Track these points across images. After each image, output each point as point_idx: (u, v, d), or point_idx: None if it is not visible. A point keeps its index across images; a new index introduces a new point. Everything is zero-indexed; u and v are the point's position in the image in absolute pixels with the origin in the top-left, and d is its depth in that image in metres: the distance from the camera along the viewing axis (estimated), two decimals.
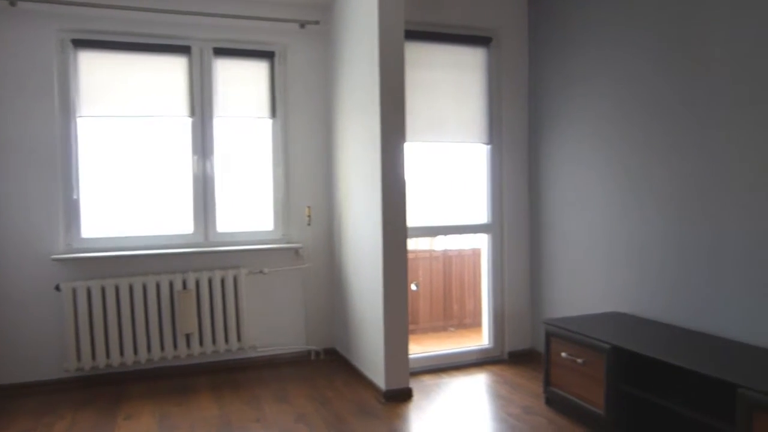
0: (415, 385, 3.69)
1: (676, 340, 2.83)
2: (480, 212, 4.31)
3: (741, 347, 2.67)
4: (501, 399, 3.48)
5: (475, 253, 5.66)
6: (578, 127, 3.80)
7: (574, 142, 3.83)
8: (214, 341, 4.02)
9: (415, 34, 3.95)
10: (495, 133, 4.24)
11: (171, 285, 3.93)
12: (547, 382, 3.33)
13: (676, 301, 3.11)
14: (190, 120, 4.06)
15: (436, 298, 5.59)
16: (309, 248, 4.33)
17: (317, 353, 4.35)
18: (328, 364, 4.19)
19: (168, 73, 4.00)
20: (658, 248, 3.23)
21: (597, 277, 3.68)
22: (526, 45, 4.27)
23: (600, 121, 3.62)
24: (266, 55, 4.23)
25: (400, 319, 3.52)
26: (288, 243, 4.29)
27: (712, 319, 2.91)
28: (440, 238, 5.57)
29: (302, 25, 4.23)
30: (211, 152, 4.10)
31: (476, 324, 5.50)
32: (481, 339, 4.44)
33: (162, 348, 3.91)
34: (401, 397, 3.50)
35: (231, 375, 3.99)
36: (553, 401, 3.33)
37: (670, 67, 3.12)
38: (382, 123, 3.43)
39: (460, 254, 5.70)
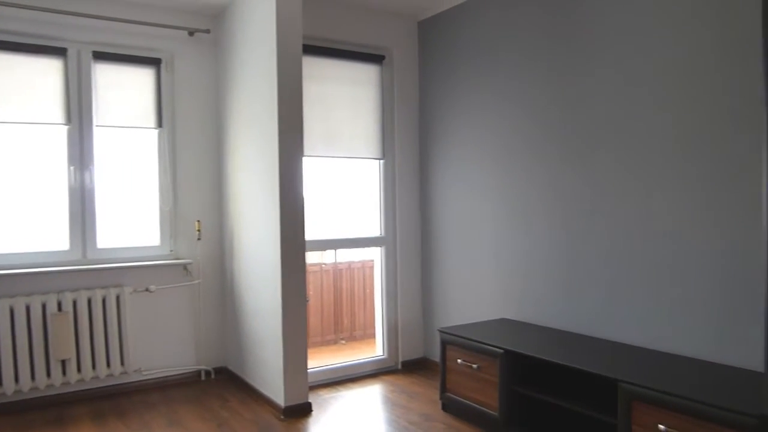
0: (312, 399, 3.66)
1: (562, 343, 3.07)
2: (374, 226, 4.39)
3: (620, 347, 2.95)
4: (399, 408, 3.56)
5: (365, 266, 5.75)
6: (466, 145, 4.01)
7: (462, 159, 4.04)
8: (93, 366, 3.72)
9: (311, 49, 3.97)
10: (388, 149, 4.36)
11: (44, 307, 3.59)
12: (444, 389, 3.46)
13: (561, 307, 3.37)
14: (66, 128, 3.77)
15: (327, 311, 5.59)
16: (199, 264, 4.16)
17: (208, 373, 4.18)
18: (220, 384, 4.04)
19: (41, 77, 3.68)
20: (542, 259, 3.48)
21: (486, 287, 3.89)
22: (416, 64, 4.45)
23: (486, 139, 3.85)
24: (152, 62, 4.03)
25: (299, 333, 3.48)
26: (176, 259, 4.09)
27: (593, 322, 3.19)
28: (330, 252, 5.59)
29: (191, 33, 4.09)
30: (91, 162, 3.82)
31: (367, 336, 5.58)
32: (375, 350, 4.51)
33: (33, 377, 3.56)
34: (301, 412, 3.47)
35: (115, 402, 3.71)
36: (449, 407, 3.46)
37: (555, 91, 3.40)
38: (280, 137, 3.41)
39: (350, 267, 5.75)
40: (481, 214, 3.91)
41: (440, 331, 3.48)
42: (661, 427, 2.28)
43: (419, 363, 4.43)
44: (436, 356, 4.32)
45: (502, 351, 3.04)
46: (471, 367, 3.25)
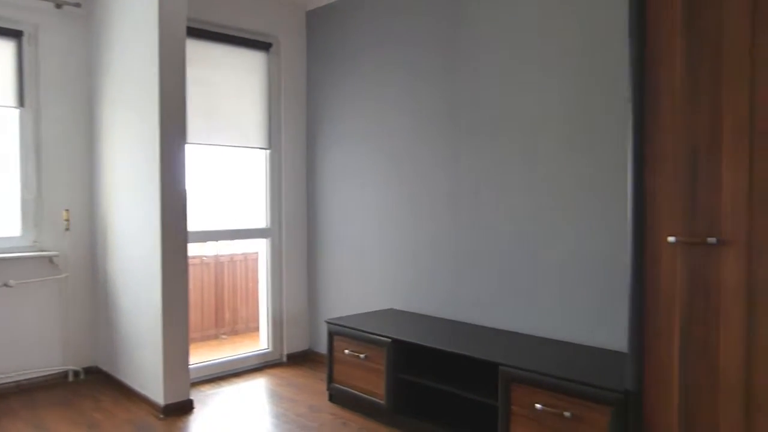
0: (195, 395, 3.53)
1: (447, 331, 3.19)
2: (259, 217, 4.30)
3: (502, 333, 3.13)
4: (286, 400, 3.53)
5: (248, 258, 5.61)
6: (353, 137, 4.04)
7: (350, 150, 4.07)
8: None
9: (195, 32, 3.80)
10: (275, 139, 4.28)
11: None
12: (331, 379, 3.48)
13: (446, 298, 3.51)
14: None
15: (208, 306, 5.39)
16: (67, 256, 3.84)
17: (77, 373, 3.88)
18: (91, 385, 3.76)
19: None
20: (427, 249, 3.60)
21: (372, 278, 3.96)
22: (304, 54, 4.40)
23: (373, 131, 3.91)
24: (12, 33, 3.65)
25: (180, 328, 3.34)
26: (40, 251, 3.75)
27: (475, 311, 3.35)
28: (210, 244, 5.39)
29: (59, 6, 3.75)
30: None
31: (250, 330, 5.46)
32: (259, 343, 4.43)
33: None
34: (182, 410, 3.33)
35: None
36: (337, 397, 3.48)
37: (442, 86, 3.52)
38: (161, 123, 3.23)
39: (232, 260, 5.59)
40: (368, 206, 3.96)
41: (328, 322, 3.49)
42: (538, 406, 2.45)
43: (305, 355, 4.42)
44: (322, 348, 4.33)
45: (389, 340, 3.11)
46: (358, 357, 3.29)
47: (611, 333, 2.76)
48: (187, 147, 3.36)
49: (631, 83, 2.16)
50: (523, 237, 3.11)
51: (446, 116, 3.48)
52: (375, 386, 3.20)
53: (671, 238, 2.05)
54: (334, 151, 4.20)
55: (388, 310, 3.77)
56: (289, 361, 4.33)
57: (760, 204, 1.88)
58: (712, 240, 1.96)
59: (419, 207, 3.65)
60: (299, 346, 4.42)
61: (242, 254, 5.64)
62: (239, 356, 4.19)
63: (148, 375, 3.42)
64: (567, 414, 2.36)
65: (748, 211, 1.90)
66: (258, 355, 4.27)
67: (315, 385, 3.81)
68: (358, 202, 4.04)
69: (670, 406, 2.08)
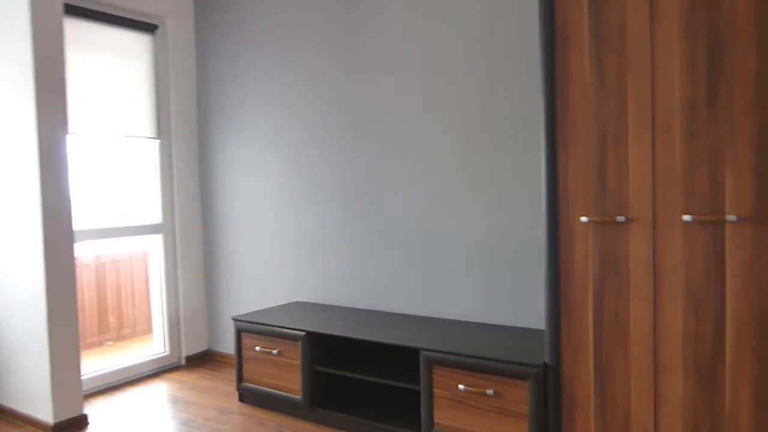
0: (88, 409, 3.23)
1: (362, 320, 3.18)
2: (151, 211, 4.01)
3: (420, 319, 3.16)
4: (192, 405, 3.33)
5: (134, 257, 5.23)
6: (250, 127, 3.89)
7: (247, 140, 3.91)
8: None
9: (73, 9, 3.44)
10: (164, 128, 4.01)
11: None
12: (240, 379, 3.34)
13: (354, 287, 3.49)
14: None
15: (90, 311, 4.95)
16: None
17: None
18: None
19: None
20: (332, 239, 3.56)
21: (275, 272, 3.84)
22: (193, 38, 4.15)
23: (272, 121, 3.78)
24: None
25: (70, 339, 3.04)
26: None
27: (386, 299, 3.37)
28: (91, 244, 4.95)
29: None
30: None
31: (138, 333, 5.09)
32: (154, 347, 4.15)
33: None
34: (76, 426, 3.03)
35: None
36: (247, 397, 3.35)
37: (342, 76, 3.47)
38: (38, 111, 2.90)
39: (114, 260, 5.17)
40: (268, 196, 3.83)
41: (235, 320, 3.34)
42: (461, 387, 2.52)
43: (205, 356, 4.21)
44: (224, 347, 4.15)
45: (303, 333, 3.04)
46: (270, 353, 3.18)
47: (530, 312, 2.89)
48: (68, 138, 3.05)
49: (543, 72, 2.26)
50: (437, 222, 3.16)
51: (347, 106, 3.44)
52: (290, 382, 3.12)
53: (584, 218, 2.18)
54: (229, 140, 4.02)
55: (295, 302, 3.68)
56: (188, 363, 4.10)
57: (662, 184, 2.05)
58: (621, 218, 2.11)
59: (322, 196, 3.59)
60: (198, 347, 4.20)
61: (127, 253, 5.24)
62: (133, 363, 3.89)
63: (31, 392, 3.07)
64: (489, 392, 2.44)
65: (651, 191, 2.07)
66: (154, 359, 3.99)
67: (220, 386, 3.64)
68: (257, 192, 3.90)
69: (586, 374, 2.22)
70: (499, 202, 2.94)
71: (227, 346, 4.14)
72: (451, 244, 3.11)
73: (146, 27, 3.89)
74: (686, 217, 1.98)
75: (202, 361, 4.17)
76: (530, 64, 2.82)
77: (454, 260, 3.11)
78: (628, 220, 2.11)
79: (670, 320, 2.04)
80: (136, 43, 3.85)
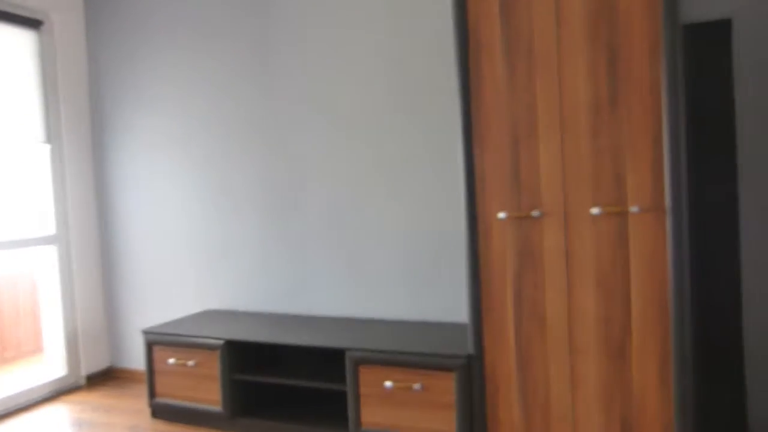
0: None
1: (283, 325, 3.13)
2: (43, 222, 3.70)
3: (344, 320, 3.16)
4: (100, 426, 3.12)
5: (14, 276, 4.79)
6: (151, 130, 3.70)
7: (148, 144, 3.72)
8: None
9: None
10: (54, 131, 3.71)
11: None
12: (152, 394, 3.17)
13: (272, 291, 3.43)
14: None
15: None
16: None
17: None
18: None
19: None
20: (245, 245, 3.48)
21: (183, 281, 3.69)
22: (83, 32, 3.88)
23: (175, 123, 3.63)
24: None
25: None
26: None
27: (308, 301, 3.34)
28: None
29: None
30: None
31: (24, 354, 4.69)
32: (48, 368, 3.84)
33: None
34: None
35: None
36: (161, 412, 3.19)
37: (249, 76, 3.39)
38: None
39: None
40: (173, 202, 3.67)
41: (145, 333, 3.17)
42: (387, 383, 2.56)
43: (107, 374, 3.95)
44: (128, 363, 3.92)
45: (222, 342, 2.94)
46: (185, 365, 3.06)
47: (454, 306, 2.98)
48: None
49: (459, 75, 2.35)
50: (356, 221, 3.18)
51: (257, 100, 3.38)
52: (208, 393, 3.01)
53: (501, 214, 2.29)
54: (128, 143, 3.80)
55: (207, 311, 3.56)
56: (89, 383, 3.83)
57: (571, 179, 2.20)
58: (535, 213, 2.25)
59: (233, 198, 3.49)
60: (99, 364, 3.93)
61: (6, 271, 4.79)
62: (25, 387, 3.57)
63: None
64: (416, 386, 2.50)
65: (562, 186, 2.22)
66: (49, 382, 3.69)
67: (128, 403, 3.44)
68: (160, 197, 3.72)
69: (508, 361, 2.34)
70: (421, 200, 3.02)
71: (132, 361, 3.91)
72: (372, 243, 3.15)
73: (29, 23, 3.59)
74: (594, 210, 2.14)
75: (104, 379, 3.91)
76: (448, 68, 2.92)
77: (376, 259, 3.14)
78: (542, 214, 2.25)
79: (583, 305, 2.20)
80: (20, 40, 3.54)
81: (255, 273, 3.46)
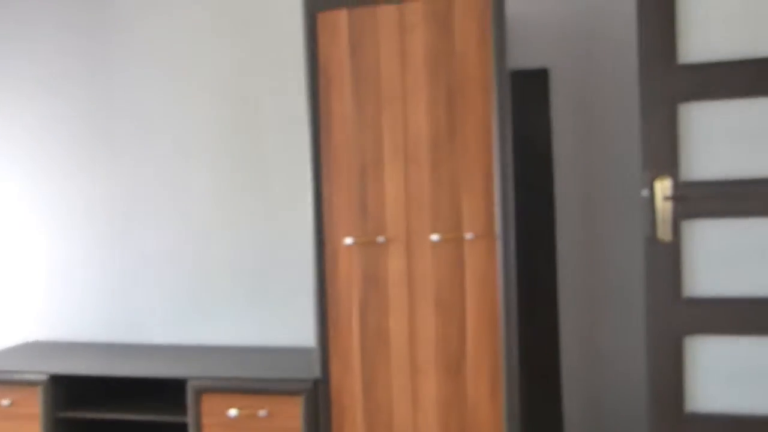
0: None
1: (119, 355, 2.91)
2: None
3: (181, 348, 3.01)
4: None
5: None
6: None
7: None
8: None
9: None
10: None
11: None
12: None
13: (105, 319, 3.18)
14: None
15: None
16: None
17: None
18: None
19: None
20: (79, 269, 3.21)
21: (2, 308, 3.30)
22: None
23: (9, 135, 3.28)
24: None
25: None
26: None
27: (147, 330, 3.14)
28: None
29: None
30: None
31: None
32: None
33: None
34: None
35: None
36: None
37: (96, 87, 3.17)
38: None
39: None
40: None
41: None
42: (232, 411, 2.49)
43: None
44: None
45: (45, 377, 2.67)
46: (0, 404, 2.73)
47: (304, 331, 2.98)
48: None
49: (308, 107, 2.40)
50: (202, 246, 3.07)
51: (97, 111, 3.16)
52: None
53: (348, 240, 2.36)
54: None
55: (30, 343, 3.21)
56: None
57: (414, 208, 2.33)
58: (380, 239, 2.35)
59: (62, 219, 3.21)
60: None
61: None
62: None
63: None
64: (262, 412, 2.47)
65: (405, 213, 2.35)
66: None
67: None
68: None
69: (353, 383, 2.40)
70: (271, 224, 3.00)
71: None
72: (219, 269, 3.06)
73: None
74: (434, 237, 2.29)
75: None
76: (299, 102, 2.96)
77: (223, 284, 3.06)
78: (386, 240, 2.35)
79: (424, 326, 2.33)
80: None
81: (87, 299, 3.20)
